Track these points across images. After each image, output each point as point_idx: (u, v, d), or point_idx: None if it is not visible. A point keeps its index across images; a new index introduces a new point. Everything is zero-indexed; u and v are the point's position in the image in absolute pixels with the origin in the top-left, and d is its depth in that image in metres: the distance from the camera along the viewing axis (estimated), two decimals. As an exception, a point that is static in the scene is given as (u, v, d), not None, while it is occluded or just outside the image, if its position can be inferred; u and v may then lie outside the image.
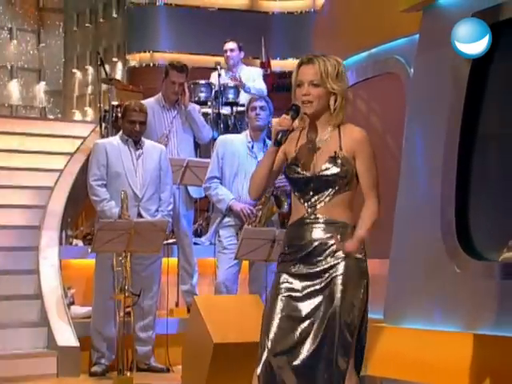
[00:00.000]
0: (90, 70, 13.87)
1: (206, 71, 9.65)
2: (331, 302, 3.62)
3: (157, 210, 6.45)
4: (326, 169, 3.70)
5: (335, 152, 3.70)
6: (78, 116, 14.00)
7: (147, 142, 6.61)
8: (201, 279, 7.24)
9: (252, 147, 6.58)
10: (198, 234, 8.01)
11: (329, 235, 3.68)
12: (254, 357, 5.21)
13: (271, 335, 3.69)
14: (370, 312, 6.66)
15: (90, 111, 13.81)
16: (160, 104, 7.51)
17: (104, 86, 10.02)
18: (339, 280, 3.63)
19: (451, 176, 5.49)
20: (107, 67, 9.93)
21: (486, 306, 5.32)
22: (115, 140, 6.55)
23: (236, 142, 6.63)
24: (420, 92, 5.94)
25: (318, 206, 3.71)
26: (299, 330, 3.65)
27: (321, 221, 3.70)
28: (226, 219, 6.55)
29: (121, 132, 6.62)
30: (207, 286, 7.23)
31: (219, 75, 8.76)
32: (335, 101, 3.70)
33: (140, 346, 6.55)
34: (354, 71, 7.53)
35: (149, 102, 7.31)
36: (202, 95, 8.75)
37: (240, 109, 8.81)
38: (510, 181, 5.42)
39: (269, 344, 3.69)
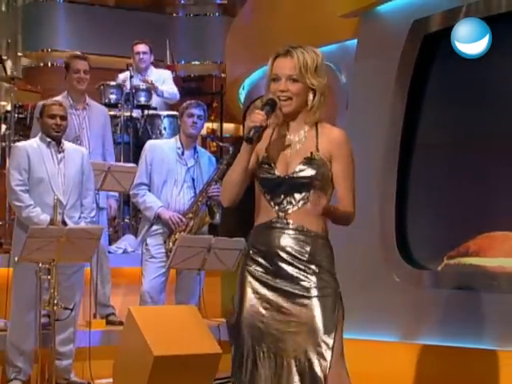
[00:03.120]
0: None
1: (110, 72, 9.39)
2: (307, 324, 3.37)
3: (80, 217, 6.17)
4: (301, 170, 3.41)
5: (311, 153, 3.41)
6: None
7: (68, 145, 6.29)
8: (127, 289, 6.99)
9: (182, 154, 6.39)
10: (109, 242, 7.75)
11: (300, 244, 3.40)
12: (194, 369, 5.12)
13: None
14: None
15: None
16: (67, 104, 7.14)
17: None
18: (316, 304, 3.37)
19: (390, 186, 5.49)
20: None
21: (426, 315, 5.34)
22: (35, 142, 6.19)
23: (165, 148, 6.43)
24: (358, 99, 5.92)
25: (290, 211, 3.42)
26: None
27: (291, 227, 3.41)
28: (154, 227, 6.34)
29: (40, 134, 6.28)
30: (133, 296, 6.99)
31: (131, 77, 8.52)
32: (313, 97, 3.40)
33: (59, 360, 6.23)
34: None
35: None
36: (113, 97, 8.49)
37: (151, 112, 8.61)
38: (448, 191, 5.47)
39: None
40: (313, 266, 3.41)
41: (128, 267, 7.43)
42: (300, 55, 3.40)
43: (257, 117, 3.33)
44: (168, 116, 8.62)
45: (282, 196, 3.43)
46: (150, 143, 6.63)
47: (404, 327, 5.40)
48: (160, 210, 6.28)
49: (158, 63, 10.50)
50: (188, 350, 5.10)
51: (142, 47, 8.77)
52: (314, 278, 3.40)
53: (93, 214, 6.28)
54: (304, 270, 3.41)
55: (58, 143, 6.17)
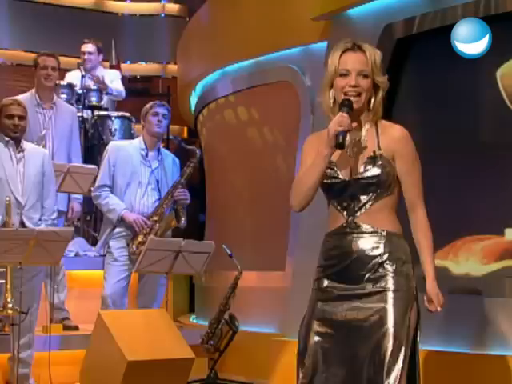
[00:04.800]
0: None
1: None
2: (380, 326, 3.26)
3: (40, 219, 6.01)
4: (366, 171, 3.30)
5: (374, 152, 3.30)
6: None
7: (29, 145, 6.14)
8: (79, 292, 6.85)
9: (146, 155, 6.28)
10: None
11: (374, 246, 3.30)
12: (167, 374, 5.04)
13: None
14: (266, 326, 6.66)
15: None
16: (34, 102, 6.99)
17: None
18: (390, 301, 3.26)
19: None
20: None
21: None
22: (-6, 142, 6.04)
23: (129, 149, 6.30)
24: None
25: (359, 214, 3.31)
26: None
27: (363, 230, 3.30)
28: (117, 230, 6.21)
29: (-2, 134, 6.11)
30: (85, 300, 6.86)
31: (83, 76, 8.40)
32: (376, 95, 3.33)
33: (18, 367, 6.06)
34: (237, 78, 7.44)
35: (21, 99, 6.79)
36: (63, 97, 8.30)
37: (102, 113, 8.48)
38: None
39: None
40: (389, 268, 3.31)
41: (80, 270, 7.33)
42: (371, 50, 3.35)
43: (343, 120, 3.22)
44: (119, 117, 8.52)
45: (349, 199, 3.34)
46: (112, 144, 6.50)
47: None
48: (124, 213, 6.16)
49: (103, 63, 10.38)
50: (161, 354, 5.01)
51: (87, 47, 8.65)
52: (390, 282, 3.30)
53: (54, 216, 6.13)
54: (380, 273, 3.30)
55: (18, 143, 6.01)
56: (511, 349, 5.03)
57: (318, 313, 3.41)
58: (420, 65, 5.56)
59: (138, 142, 6.38)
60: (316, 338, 3.35)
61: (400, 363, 3.20)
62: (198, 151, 6.36)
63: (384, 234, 3.31)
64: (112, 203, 6.18)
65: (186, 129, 11.63)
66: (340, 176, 3.34)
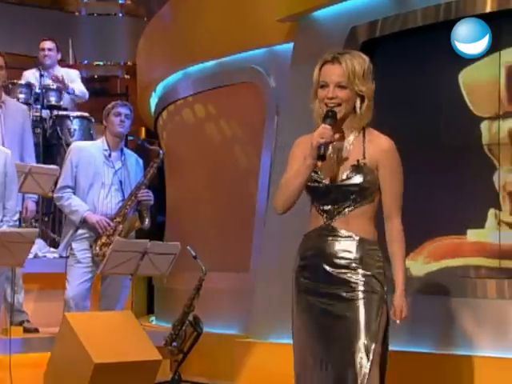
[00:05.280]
0: None
1: (12, 71, 9.07)
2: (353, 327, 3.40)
3: (1, 220, 5.92)
4: (348, 178, 3.41)
5: (358, 160, 3.40)
6: None
7: (-10, 146, 6.05)
8: (38, 294, 6.76)
9: (109, 155, 6.22)
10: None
11: (347, 250, 3.42)
12: (134, 376, 5.01)
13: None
14: (230, 327, 6.65)
15: None
16: None
17: None
18: (360, 304, 3.39)
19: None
20: None
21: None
22: (-49, 144, 5.94)
23: (92, 150, 6.24)
24: (294, 103, 5.92)
25: (337, 218, 3.43)
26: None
27: (338, 234, 3.43)
28: (80, 231, 6.14)
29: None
30: (44, 302, 6.78)
31: (41, 75, 8.31)
32: (361, 103, 3.42)
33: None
34: (200, 79, 7.42)
35: None
36: (21, 97, 8.23)
37: (61, 113, 8.39)
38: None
39: None
40: (360, 271, 3.42)
41: (39, 272, 7.24)
42: (348, 61, 3.40)
43: (325, 132, 3.32)
44: (78, 117, 8.45)
45: (330, 203, 3.45)
46: (75, 145, 6.44)
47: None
48: (87, 214, 6.09)
49: (60, 63, 10.29)
50: (128, 356, 4.99)
51: (47, 44, 8.58)
52: (360, 284, 3.41)
53: (16, 217, 6.04)
54: (351, 276, 3.42)
55: (-21, 144, 5.93)
56: (476, 349, 5.10)
57: (302, 303, 3.51)
58: (384, 67, 5.56)
59: (100, 143, 6.33)
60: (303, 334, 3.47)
61: (368, 363, 3.33)
62: (161, 151, 6.33)
63: (357, 239, 3.43)
64: (74, 204, 6.11)
65: (143, 129, 11.58)
66: (323, 181, 3.44)
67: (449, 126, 5.63)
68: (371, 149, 3.43)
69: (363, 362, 3.33)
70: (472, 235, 5.57)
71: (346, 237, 3.42)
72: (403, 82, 5.58)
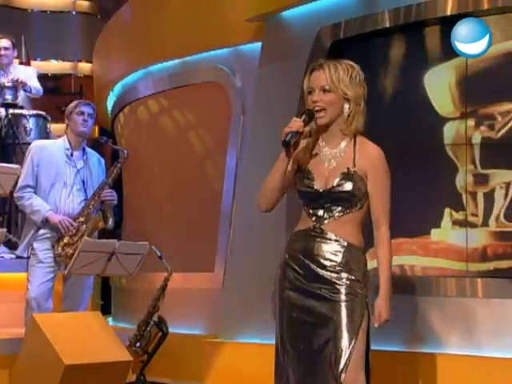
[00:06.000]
0: None
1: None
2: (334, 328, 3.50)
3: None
4: (339, 185, 3.53)
5: (348, 168, 3.53)
6: None
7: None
8: (4, 296, 6.66)
9: (71, 155, 6.14)
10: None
11: (334, 253, 3.53)
12: (105, 377, 4.96)
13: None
14: (194, 328, 6.61)
15: None
16: None
17: None
18: (343, 307, 3.50)
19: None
20: None
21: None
22: None
23: (53, 149, 6.15)
24: (263, 103, 5.92)
25: (326, 222, 3.55)
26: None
27: (327, 236, 3.54)
28: (42, 231, 6.04)
29: None
30: (9, 303, 6.67)
31: (-1, 74, 8.16)
32: (349, 107, 3.52)
33: None
34: (162, 78, 7.37)
35: None
36: (-24, 95, 8.08)
37: (17, 111, 8.26)
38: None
39: None
40: (344, 275, 3.53)
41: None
42: (332, 67, 3.53)
43: (293, 123, 3.45)
44: (34, 116, 8.31)
45: (321, 208, 3.56)
46: (36, 143, 6.34)
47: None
48: (48, 214, 6.00)
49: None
50: (99, 358, 4.92)
51: (2, 42, 8.41)
52: (343, 286, 3.51)
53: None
54: (335, 278, 3.52)
55: None
56: (444, 347, 5.15)
57: (286, 301, 3.65)
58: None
59: (62, 142, 6.24)
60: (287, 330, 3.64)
61: (350, 363, 3.47)
62: (125, 151, 6.28)
63: (345, 244, 3.54)
64: (36, 204, 6.02)
65: (97, 128, 11.46)
66: (315, 186, 3.56)
67: (414, 126, 5.68)
68: (361, 157, 3.55)
69: (344, 362, 3.46)
70: (436, 235, 5.63)
71: (333, 240, 3.54)
72: (371, 83, 5.59)
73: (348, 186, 3.52)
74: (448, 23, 5.41)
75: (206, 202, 6.73)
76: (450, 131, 5.63)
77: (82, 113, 6.17)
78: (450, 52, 5.40)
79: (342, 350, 3.46)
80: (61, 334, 4.97)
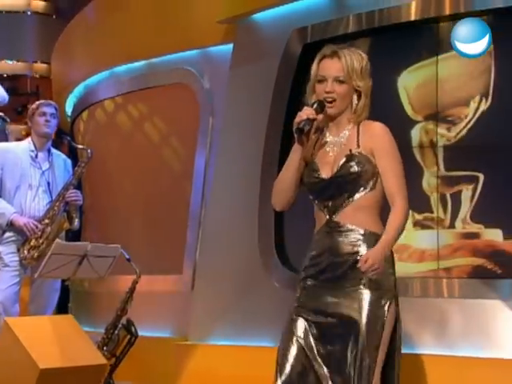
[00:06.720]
0: None
1: None
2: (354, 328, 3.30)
3: None
4: (342, 168, 3.34)
5: (350, 150, 3.35)
6: None
7: None
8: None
9: (36, 156, 6.09)
10: None
11: (352, 245, 3.32)
12: (79, 381, 4.91)
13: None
14: (162, 331, 6.56)
15: None
16: None
17: None
18: (365, 300, 3.29)
19: (269, 192, 5.51)
20: None
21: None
22: None
23: (18, 151, 6.10)
24: (234, 104, 5.91)
25: (338, 212, 3.35)
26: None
27: (342, 229, 3.34)
28: (7, 234, 5.99)
29: None
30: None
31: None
32: (358, 99, 3.39)
33: None
34: (127, 80, 7.32)
35: None
36: None
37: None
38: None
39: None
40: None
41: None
42: (347, 56, 3.38)
43: (305, 111, 3.29)
44: (-10, 118, 8.18)
45: (330, 198, 3.37)
46: (0, 146, 6.28)
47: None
48: (13, 217, 5.94)
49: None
50: (74, 361, 4.90)
51: None
52: (367, 279, 3.30)
53: None
54: (355, 272, 3.30)
55: None
56: (418, 347, 5.19)
57: (302, 310, 3.42)
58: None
59: (26, 144, 6.19)
60: (301, 335, 3.37)
61: (370, 363, 3.25)
62: (89, 150, 6.22)
63: (362, 232, 3.34)
64: (0, 207, 5.95)
65: (54, 130, 11.31)
66: (321, 175, 3.39)
67: (388, 126, 5.70)
68: (364, 137, 3.39)
69: (358, 363, 3.27)
70: (403, 237, 5.67)
71: (350, 230, 3.34)
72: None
73: (352, 168, 3.34)
74: (413, 28, 5.50)
75: (174, 204, 6.70)
76: (417, 134, 5.68)
77: (44, 113, 6.14)
78: (418, 55, 5.49)
79: (360, 354, 3.24)
80: (34, 338, 4.93)
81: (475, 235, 5.48)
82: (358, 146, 3.37)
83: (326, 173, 3.39)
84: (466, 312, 5.19)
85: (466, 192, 5.59)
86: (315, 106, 3.32)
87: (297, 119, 3.30)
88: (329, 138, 3.44)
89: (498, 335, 5.09)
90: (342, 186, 3.36)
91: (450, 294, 5.29)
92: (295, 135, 3.29)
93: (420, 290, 5.39)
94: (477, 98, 5.47)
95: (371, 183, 3.36)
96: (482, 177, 5.46)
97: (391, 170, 3.35)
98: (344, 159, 3.36)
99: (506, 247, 5.34)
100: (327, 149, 3.43)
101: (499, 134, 5.37)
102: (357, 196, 3.36)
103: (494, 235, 5.40)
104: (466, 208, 5.56)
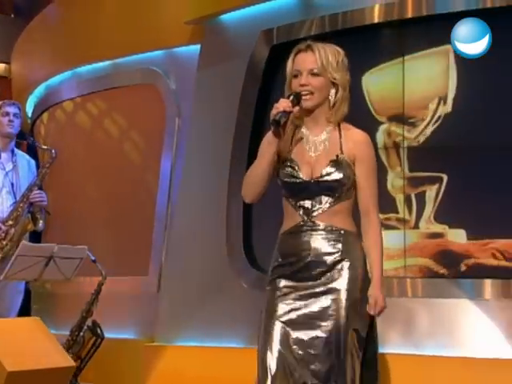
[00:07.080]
0: None
1: None
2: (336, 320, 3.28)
3: None
4: (328, 174, 3.31)
5: (337, 155, 3.32)
6: None
7: None
8: None
9: None
10: None
11: (331, 244, 3.31)
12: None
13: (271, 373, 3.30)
14: (128, 332, 6.53)
15: None
16: None
17: None
18: (343, 297, 3.29)
19: (238, 194, 5.51)
20: None
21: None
22: None
23: None
24: (201, 105, 5.90)
25: (316, 213, 3.33)
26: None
27: (320, 227, 3.31)
28: (-31, 236, 5.91)
29: None
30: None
31: None
32: (336, 93, 3.33)
33: None
34: (91, 80, 7.28)
35: None
36: None
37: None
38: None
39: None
40: (345, 264, 3.32)
41: None
42: (321, 49, 3.35)
43: (281, 103, 3.23)
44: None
45: (308, 199, 3.34)
46: None
47: (251, 333, 5.45)
48: (-24, 219, 5.89)
49: None
50: (41, 364, 4.81)
51: None
52: (346, 276, 3.30)
53: None
54: (335, 269, 3.31)
55: None
56: (386, 346, 5.22)
57: (279, 312, 3.37)
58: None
59: None
60: (279, 338, 3.34)
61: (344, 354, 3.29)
62: (53, 151, 6.18)
63: (342, 232, 3.33)
64: None
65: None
66: (301, 176, 3.35)
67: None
68: (348, 143, 3.36)
69: (340, 353, 3.28)
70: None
71: (328, 230, 3.33)
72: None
73: (338, 175, 3.31)
74: (375, 30, 5.56)
75: (139, 205, 6.66)
76: (382, 135, 5.72)
77: (8, 113, 6.08)
78: (382, 57, 5.54)
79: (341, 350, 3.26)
80: (1, 341, 4.85)
81: (439, 235, 5.54)
82: (342, 151, 3.35)
83: (306, 173, 3.35)
84: (430, 311, 5.23)
85: (430, 192, 5.63)
86: (291, 97, 3.27)
87: (273, 111, 3.24)
88: (306, 134, 3.40)
89: (462, 334, 5.14)
90: (324, 189, 3.33)
91: (414, 294, 5.33)
92: (271, 127, 3.23)
93: (385, 290, 5.42)
94: (438, 100, 5.53)
95: (350, 190, 3.36)
96: (445, 177, 5.52)
97: (370, 182, 3.37)
98: (329, 164, 3.33)
99: (470, 247, 5.40)
100: (306, 147, 3.38)
101: (463, 135, 5.43)
102: (337, 201, 3.34)
103: (458, 235, 5.46)
104: (429, 208, 5.61)
